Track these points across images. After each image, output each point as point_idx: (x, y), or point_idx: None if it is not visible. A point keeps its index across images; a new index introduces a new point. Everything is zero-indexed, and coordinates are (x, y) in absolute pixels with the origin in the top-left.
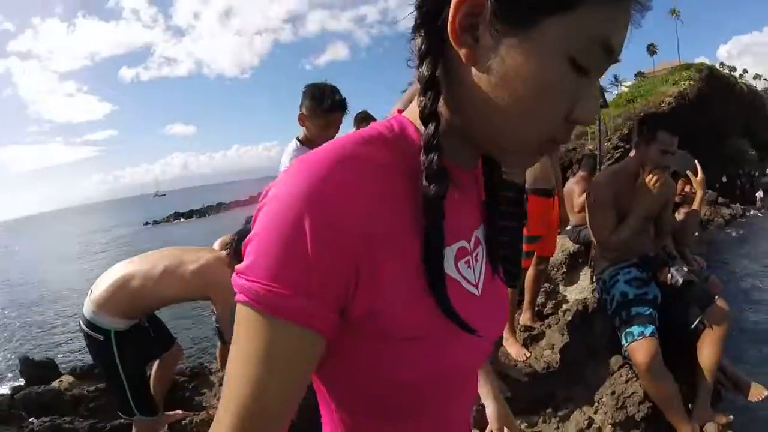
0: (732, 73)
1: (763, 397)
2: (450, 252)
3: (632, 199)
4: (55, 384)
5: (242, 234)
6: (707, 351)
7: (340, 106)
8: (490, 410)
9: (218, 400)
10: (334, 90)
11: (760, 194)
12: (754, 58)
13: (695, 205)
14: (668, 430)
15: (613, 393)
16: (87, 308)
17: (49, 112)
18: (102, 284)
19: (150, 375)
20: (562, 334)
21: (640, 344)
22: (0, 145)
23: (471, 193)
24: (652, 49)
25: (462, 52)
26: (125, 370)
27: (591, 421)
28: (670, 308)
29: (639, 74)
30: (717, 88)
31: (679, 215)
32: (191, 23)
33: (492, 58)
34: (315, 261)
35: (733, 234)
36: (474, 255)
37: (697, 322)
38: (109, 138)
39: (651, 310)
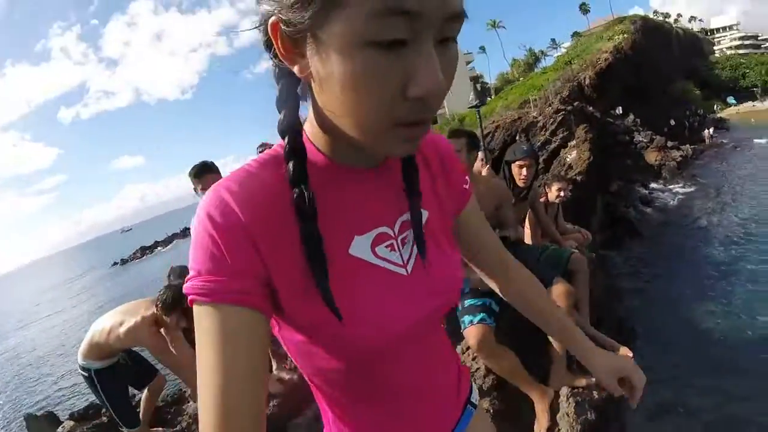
0: (666, 19)
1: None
2: (365, 240)
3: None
4: (59, 430)
5: (171, 287)
6: None
7: (198, 173)
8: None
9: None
10: (201, 165)
11: (708, 132)
12: (687, 1)
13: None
14: (523, 396)
15: None
16: (78, 357)
17: None
18: (84, 340)
19: (138, 397)
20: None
21: (469, 331)
22: None
23: (384, 185)
24: (584, 8)
25: (295, 69)
26: (105, 395)
27: None
28: None
29: (575, 34)
30: (653, 36)
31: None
32: (123, 52)
33: (313, 68)
34: (228, 253)
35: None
36: (400, 239)
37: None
38: (60, 183)
39: (484, 300)
